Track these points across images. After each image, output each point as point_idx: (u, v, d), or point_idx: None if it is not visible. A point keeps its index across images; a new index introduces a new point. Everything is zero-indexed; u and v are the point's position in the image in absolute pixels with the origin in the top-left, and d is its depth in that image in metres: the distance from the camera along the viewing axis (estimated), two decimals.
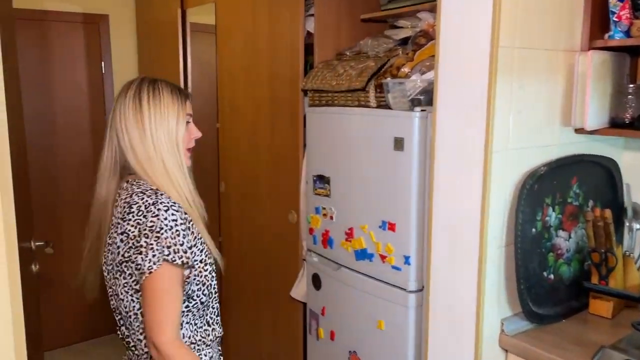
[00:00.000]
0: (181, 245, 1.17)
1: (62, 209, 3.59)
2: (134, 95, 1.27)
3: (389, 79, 1.86)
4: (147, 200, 1.20)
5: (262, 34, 2.55)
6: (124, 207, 1.22)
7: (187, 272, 1.22)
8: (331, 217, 2.10)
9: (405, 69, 1.83)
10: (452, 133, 1.61)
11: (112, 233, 1.26)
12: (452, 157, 1.61)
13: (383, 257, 1.89)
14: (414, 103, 1.80)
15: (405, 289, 1.84)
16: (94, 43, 3.63)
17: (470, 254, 1.59)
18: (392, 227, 1.85)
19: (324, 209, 2.14)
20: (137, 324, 1.24)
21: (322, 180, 2.14)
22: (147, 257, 1.14)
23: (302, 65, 2.32)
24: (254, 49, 2.62)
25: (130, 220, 1.19)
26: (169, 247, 1.15)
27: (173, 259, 1.15)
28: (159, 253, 1.14)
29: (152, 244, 1.15)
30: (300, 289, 2.41)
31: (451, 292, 1.66)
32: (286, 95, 2.42)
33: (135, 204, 1.20)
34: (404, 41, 2.07)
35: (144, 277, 1.15)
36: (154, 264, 1.14)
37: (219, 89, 2.98)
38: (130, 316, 1.25)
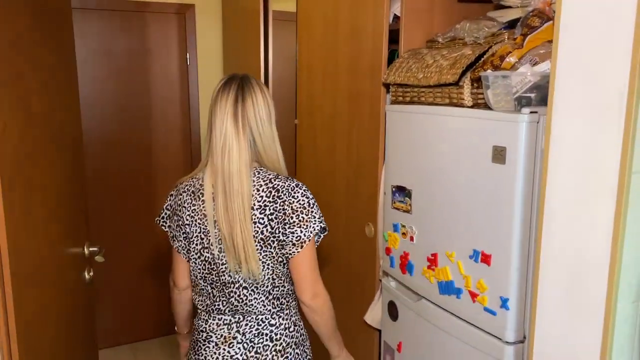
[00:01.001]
0: (322, 215, 1.44)
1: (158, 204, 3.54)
2: (262, 93, 1.43)
3: (489, 71, 1.47)
4: (289, 184, 1.42)
5: (343, 20, 2.23)
6: (270, 191, 1.40)
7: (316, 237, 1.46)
8: (411, 238, 1.75)
9: (512, 59, 1.43)
10: (573, 144, 1.20)
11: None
12: (573, 176, 1.20)
13: (473, 295, 1.52)
14: (522, 102, 1.40)
15: (500, 339, 1.46)
16: (180, 34, 3.51)
17: (594, 306, 1.19)
18: (486, 259, 1.47)
19: (403, 226, 1.79)
20: (268, 284, 1.45)
21: (402, 192, 1.79)
22: (307, 228, 1.40)
23: (386, 55, 1.98)
24: (334, 36, 2.31)
25: (284, 201, 1.40)
26: (319, 218, 1.43)
27: (325, 227, 1.45)
28: (313, 224, 1.41)
29: (309, 218, 1.41)
30: (375, 315, 2.09)
31: (564, 351, 1.26)
32: (366, 89, 2.09)
33: (282, 188, 1.41)
34: (512, 24, 1.66)
35: (304, 246, 1.41)
36: (311, 233, 1.41)
37: (298, 81, 2.71)
38: (263, 281, 1.45)
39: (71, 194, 1.77)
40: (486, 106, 1.50)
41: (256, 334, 1.47)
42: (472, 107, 1.57)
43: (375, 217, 2.06)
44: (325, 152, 2.46)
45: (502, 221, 1.41)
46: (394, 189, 1.83)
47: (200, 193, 1.44)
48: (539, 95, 1.39)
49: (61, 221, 1.62)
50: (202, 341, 1.51)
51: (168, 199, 1.54)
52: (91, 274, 1.93)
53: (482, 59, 1.55)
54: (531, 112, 1.34)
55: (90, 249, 1.91)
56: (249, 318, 1.47)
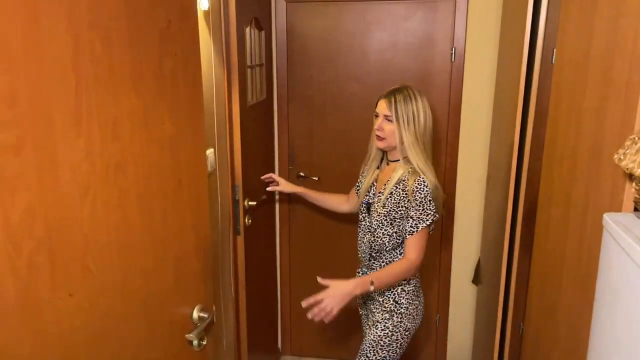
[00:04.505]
0: None
1: None
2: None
3: None
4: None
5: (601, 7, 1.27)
6: None
7: None
8: None
9: None
10: None
11: None
12: None
13: None
14: None
15: None
16: (445, 23, 2.80)
17: None
18: None
19: None
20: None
21: None
22: None
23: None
24: (587, 37, 1.36)
25: None
26: None
27: None
28: None
29: None
30: None
31: None
32: (612, 155, 1.14)
33: None
34: None
35: None
36: None
37: (554, 89, 1.72)
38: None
39: (182, 250, 1.49)
40: None
41: None
42: None
43: None
44: (557, 233, 1.54)
45: None
46: None
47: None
48: None
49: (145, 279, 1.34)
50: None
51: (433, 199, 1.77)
52: (204, 342, 1.65)
53: None
54: None
55: (200, 314, 1.62)
56: None
